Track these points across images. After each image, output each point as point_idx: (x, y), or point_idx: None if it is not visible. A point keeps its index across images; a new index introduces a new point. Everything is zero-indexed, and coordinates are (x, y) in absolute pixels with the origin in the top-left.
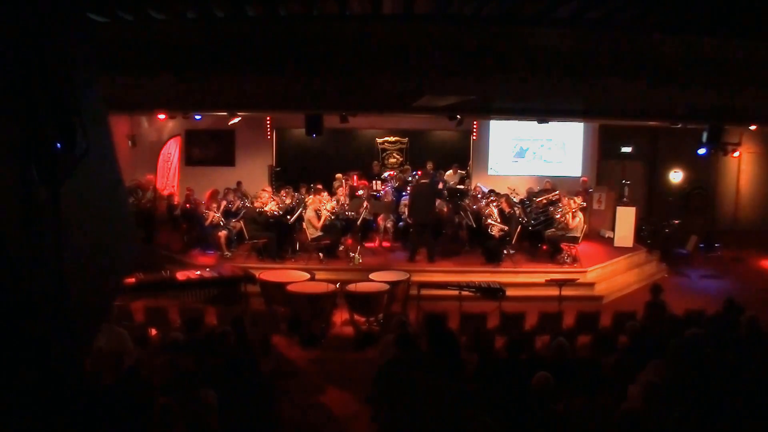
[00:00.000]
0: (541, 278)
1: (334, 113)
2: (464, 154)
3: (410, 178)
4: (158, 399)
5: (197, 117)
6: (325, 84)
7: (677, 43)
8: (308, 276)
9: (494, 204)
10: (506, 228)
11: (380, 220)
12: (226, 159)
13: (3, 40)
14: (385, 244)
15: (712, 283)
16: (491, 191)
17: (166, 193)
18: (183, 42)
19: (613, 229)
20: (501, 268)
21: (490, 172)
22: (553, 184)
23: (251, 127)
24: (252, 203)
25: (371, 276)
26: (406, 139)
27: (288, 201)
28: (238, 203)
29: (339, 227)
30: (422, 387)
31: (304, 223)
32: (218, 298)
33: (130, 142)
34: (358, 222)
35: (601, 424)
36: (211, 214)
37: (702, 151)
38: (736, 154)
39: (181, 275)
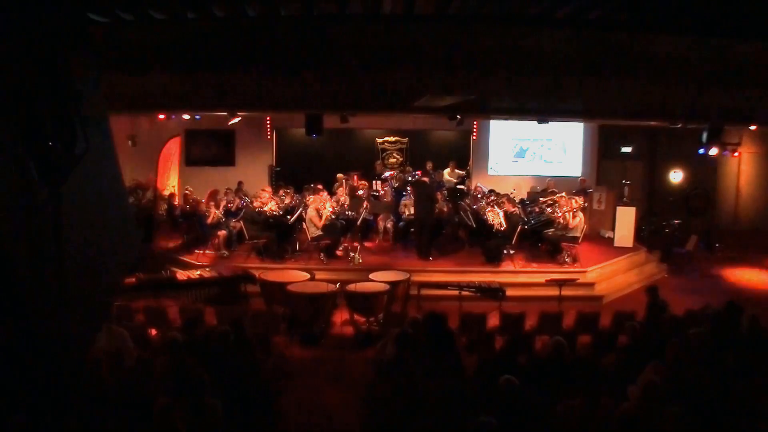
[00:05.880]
0: (541, 278)
1: (334, 113)
2: (464, 154)
3: (410, 178)
4: (158, 399)
5: (197, 117)
6: (325, 84)
7: (677, 43)
8: (308, 276)
9: (495, 204)
10: (506, 226)
11: (380, 220)
12: (226, 159)
13: (4, 40)
14: (384, 244)
15: (712, 283)
16: (491, 191)
17: (166, 193)
18: (183, 42)
19: (613, 229)
20: (501, 268)
21: (490, 172)
22: (555, 183)
23: (251, 127)
24: (252, 203)
25: (371, 276)
26: (406, 139)
27: (288, 201)
28: (238, 203)
29: (339, 227)
30: (420, 387)
31: (304, 223)
32: (218, 298)
33: (130, 142)
34: (358, 222)
35: (601, 424)
36: (213, 212)
37: (702, 150)
38: (736, 154)
39: (181, 275)
